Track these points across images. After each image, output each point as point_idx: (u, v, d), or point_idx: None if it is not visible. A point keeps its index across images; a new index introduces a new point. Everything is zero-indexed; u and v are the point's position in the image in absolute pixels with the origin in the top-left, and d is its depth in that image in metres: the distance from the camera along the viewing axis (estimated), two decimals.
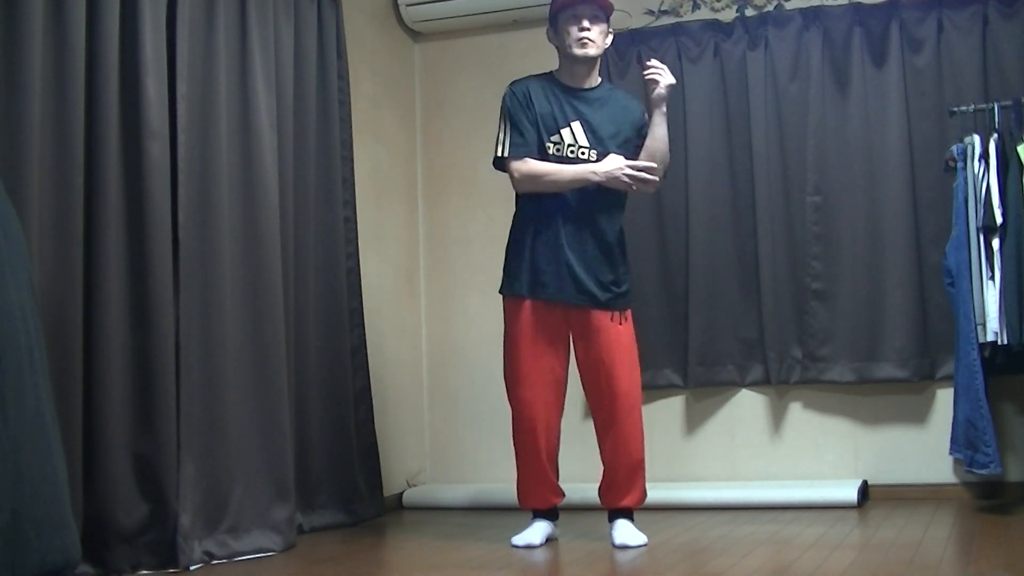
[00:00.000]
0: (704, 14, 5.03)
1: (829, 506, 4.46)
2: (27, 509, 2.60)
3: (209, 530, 3.68)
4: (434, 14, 5.24)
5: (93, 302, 3.40)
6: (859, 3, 4.78)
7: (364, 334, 4.66)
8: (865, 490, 4.65)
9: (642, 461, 3.82)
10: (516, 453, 3.86)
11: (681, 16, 5.07)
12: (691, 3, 5.08)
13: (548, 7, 3.93)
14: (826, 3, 4.84)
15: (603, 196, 3.78)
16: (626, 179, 3.72)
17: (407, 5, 5.23)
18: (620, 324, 3.78)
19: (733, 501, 4.58)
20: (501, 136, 3.84)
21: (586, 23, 3.80)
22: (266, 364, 3.97)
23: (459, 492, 5.04)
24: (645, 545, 3.72)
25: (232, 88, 3.94)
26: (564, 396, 3.87)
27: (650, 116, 3.87)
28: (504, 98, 3.87)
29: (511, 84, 3.90)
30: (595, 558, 3.61)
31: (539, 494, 3.90)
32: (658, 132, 3.83)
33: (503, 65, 5.29)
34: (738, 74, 4.92)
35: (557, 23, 3.87)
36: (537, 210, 3.80)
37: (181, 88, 3.70)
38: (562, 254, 3.75)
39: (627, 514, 3.83)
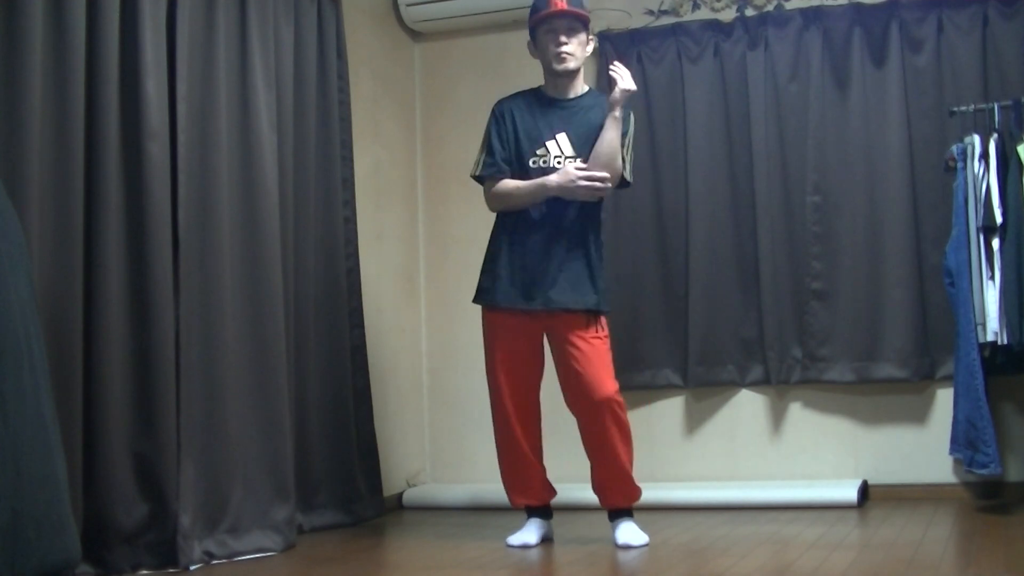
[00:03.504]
0: (704, 14, 5.02)
1: (829, 506, 4.46)
2: (27, 509, 2.61)
3: (209, 530, 3.68)
4: (434, 14, 5.24)
5: (93, 302, 3.40)
6: (859, 3, 4.78)
7: (364, 334, 4.66)
8: (865, 490, 4.65)
9: (625, 464, 3.80)
10: (500, 453, 3.91)
11: (681, 16, 5.07)
12: (691, 3, 5.07)
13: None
14: (826, 3, 4.84)
15: (576, 204, 3.77)
16: (580, 189, 3.69)
17: (407, 5, 5.23)
18: (596, 330, 3.77)
19: (733, 501, 4.58)
20: (477, 155, 3.90)
21: (563, 37, 3.79)
22: (266, 364, 3.97)
23: (459, 492, 5.04)
24: (647, 545, 3.73)
25: (232, 88, 3.94)
26: (539, 396, 3.91)
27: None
28: (489, 117, 3.91)
29: (497, 102, 3.93)
30: (595, 558, 3.61)
31: (531, 490, 3.92)
32: (606, 136, 3.75)
33: (503, 65, 5.28)
34: (738, 74, 4.91)
35: (536, 37, 3.87)
36: (512, 222, 3.84)
37: (181, 88, 3.70)
38: (535, 263, 3.77)
39: (628, 513, 3.84)
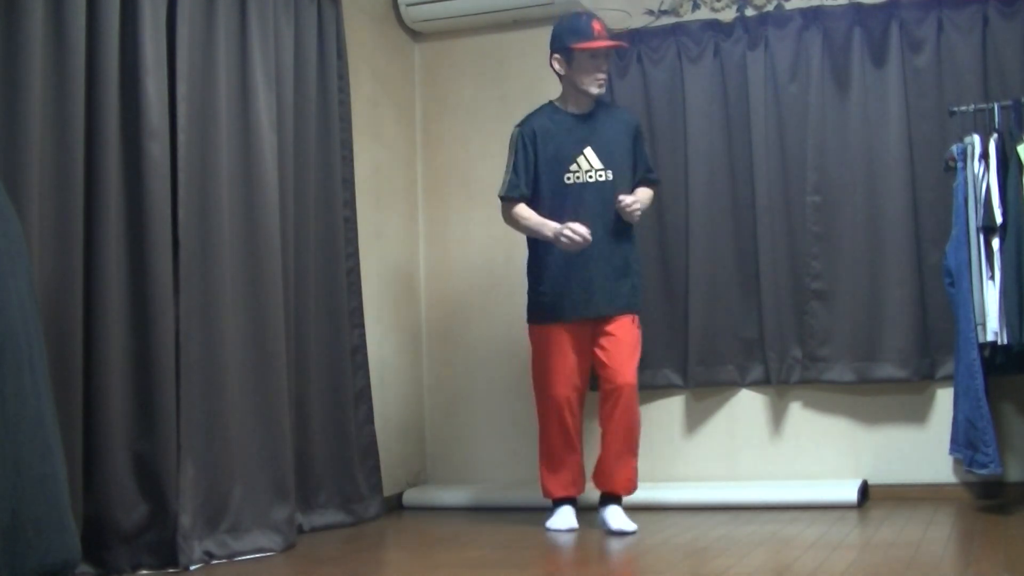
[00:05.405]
0: (704, 14, 5.02)
1: (829, 506, 4.46)
2: (27, 509, 2.60)
3: (209, 530, 3.68)
4: (434, 14, 5.23)
5: (93, 302, 3.40)
6: (859, 3, 4.78)
7: (364, 334, 4.66)
8: (865, 490, 4.65)
9: (636, 450, 4.20)
10: (552, 444, 4.18)
11: (681, 16, 5.07)
12: (691, 3, 5.07)
13: (554, 21, 4.21)
14: (826, 3, 4.84)
15: (613, 221, 4.11)
16: (564, 241, 3.98)
17: (407, 5, 5.22)
18: (631, 324, 4.14)
19: (733, 501, 4.58)
20: (504, 175, 4.19)
21: (603, 65, 4.13)
22: (266, 364, 3.97)
23: (459, 492, 5.03)
24: (636, 532, 4.00)
25: (232, 88, 3.94)
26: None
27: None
28: (512, 137, 4.21)
29: (520, 124, 4.20)
30: (595, 557, 3.62)
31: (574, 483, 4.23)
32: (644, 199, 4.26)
33: (503, 65, 5.29)
34: (738, 74, 4.91)
35: (571, 57, 4.10)
36: (548, 242, 4.09)
37: (181, 88, 3.70)
38: (580, 275, 4.08)
39: (620, 500, 4.17)
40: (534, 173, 4.14)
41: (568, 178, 4.12)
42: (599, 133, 4.17)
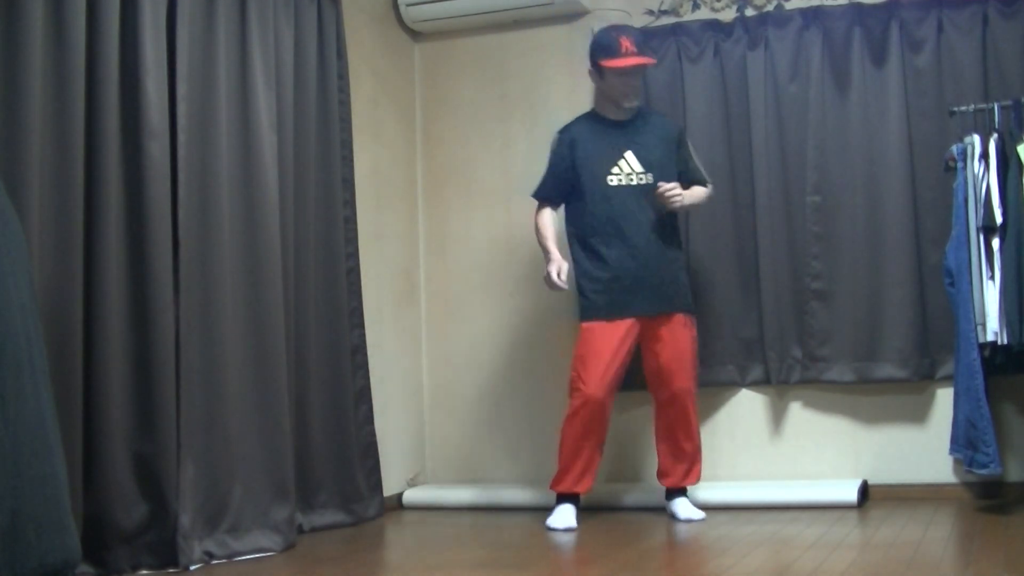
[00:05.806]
0: (704, 14, 5.02)
1: (829, 506, 4.45)
2: (27, 509, 2.60)
3: (209, 530, 3.68)
4: (434, 14, 5.23)
5: (93, 302, 3.40)
6: (859, 3, 4.78)
7: (364, 334, 4.66)
8: (865, 490, 4.65)
9: (700, 445, 4.40)
10: (573, 439, 4.20)
11: (681, 16, 5.06)
12: (691, 3, 5.07)
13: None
14: (826, 3, 4.84)
15: (657, 223, 4.26)
16: (544, 275, 4.26)
17: (407, 5, 5.22)
18: (684, 325, 4.30)
19: (733, 501, 4.58)
20: (542, 176, 4.42)
21: (632, 80, 4.31)
22: (266, 364, 3.97)
23: (459, 492, 5.03)
24: (704, 519, 4.23)
25: (232, 88, 3.94)
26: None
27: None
28: (552, 142, 4.41)
29: (561, 129, 4.42)
30: (595, 557, 3.61)
31: (586, 479, 4.27)
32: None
33: (503, 65, 5.28)
34: (738, 74, 4.91)
35: (602, 72, 4.31)
36: (593, 238, 4.27)
37: (181, 88, 3.70)
38: (626, 275, 4.22)
39: (686, 491, 4.39)
40: (572, 178, 4.31)
41: (611, 180, 4.27)
42: (638, 138, 4.33)
